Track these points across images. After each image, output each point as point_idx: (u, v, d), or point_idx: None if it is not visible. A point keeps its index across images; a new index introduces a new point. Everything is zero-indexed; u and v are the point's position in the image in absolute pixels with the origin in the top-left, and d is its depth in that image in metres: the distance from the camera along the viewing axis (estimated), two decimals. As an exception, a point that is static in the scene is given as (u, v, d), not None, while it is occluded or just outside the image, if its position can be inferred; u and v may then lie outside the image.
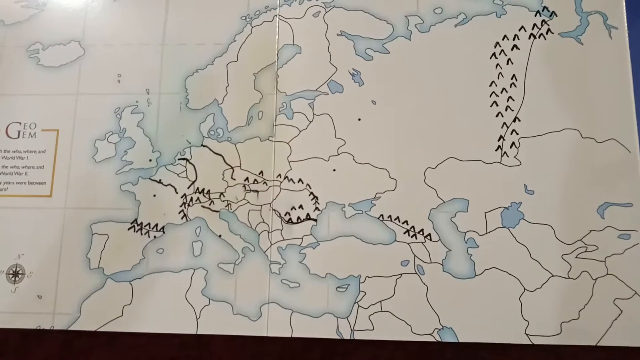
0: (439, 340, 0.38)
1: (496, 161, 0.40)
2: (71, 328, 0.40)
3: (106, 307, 0.40)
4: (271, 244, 0.40)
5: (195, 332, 0.40)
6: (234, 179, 0.41)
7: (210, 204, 0.41)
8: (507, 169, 0.40)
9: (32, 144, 0.43)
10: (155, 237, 0.41)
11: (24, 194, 0.42)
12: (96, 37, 0.45)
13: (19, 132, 0.43)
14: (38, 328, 0.40)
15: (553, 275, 0.38)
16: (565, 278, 0.38)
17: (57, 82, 0.44)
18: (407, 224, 0.40)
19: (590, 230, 0.39)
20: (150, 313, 0.40)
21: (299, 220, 0.41)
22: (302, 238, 0.40)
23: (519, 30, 0.42)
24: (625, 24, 0.41)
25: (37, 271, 0.41)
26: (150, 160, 0.42)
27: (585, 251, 0.39)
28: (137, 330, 0.40)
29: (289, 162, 0.41)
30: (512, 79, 0.41)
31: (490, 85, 0.41)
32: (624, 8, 0.42)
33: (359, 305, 0.39)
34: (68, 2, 0.46)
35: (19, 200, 0.42)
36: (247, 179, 0.41)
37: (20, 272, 0.41)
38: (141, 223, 0.41)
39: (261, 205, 0.41)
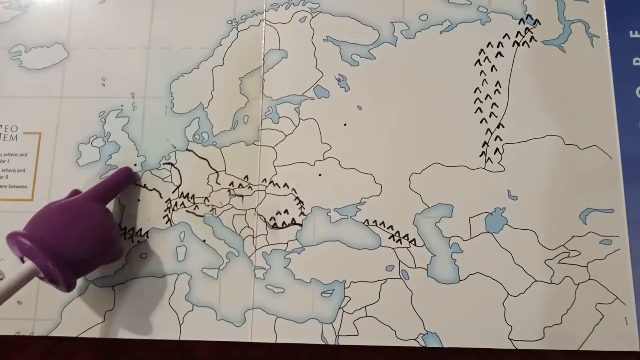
0: (424, 345, 0.38)
1: (480, 167, 0.41)
2: (52, 334, 0.40)
3: (88, 312, 0.40)
4: (256, 249, 0.40)
5: (178, 338, 0.39)
6: (219, 184, 0.41)
7: (194, 209, 0.41)
8: (491, 174, 0.40)
9: (13, 147, 0.43)
10: (139, 241, 0.41)
11: (4, 197, 0.42)
12: (81, 39, 0.45)
13: (0, 134, 0.43)
14: (17, 334, 0.40)
15: (536, 281, 0.39)
16: (548, 283, 0.39)
17: (40, 84, 0.44)
18: (392, 229, 0.40)
19: (573, 236, 0.39)
20: (133, 319, 0.40)
21: (284, 225, 0.40)
22: (287, 243, 0.40)
23: (503, 37, 0.42)
24: (607, 33, 0.42)
25: (18, 276, 0.40)
26: (135, 164, 0.42)
27: (568, 256, 0.39)
28: (120, 337, 0.39)
29: (274, 166, 0.41)
30: (496, 85, 0.42)
31: (475, 92, 0.42)
32: (605, 17, 0.42)
33: (343, 311, 0.39)
34: (52, 3, 0.45)
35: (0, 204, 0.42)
36: (232, 183, 0.41)
37: (0, 277, 0.41)
38: (125, 227, 0.41)
39: (246, 210, 0.41)
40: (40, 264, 0.33)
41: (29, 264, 0.33)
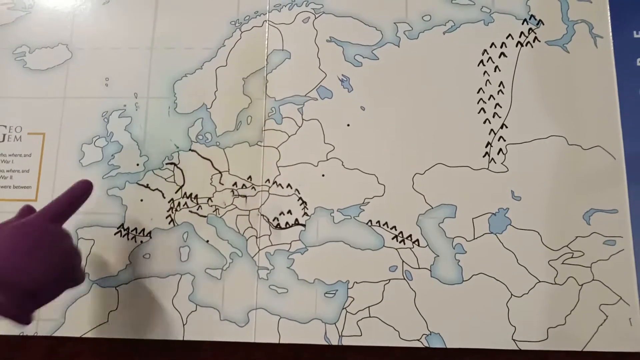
0: (427, 345, 0.38)
1: (484, 167, 0.40)
2: (55, 334, 0.40)
3: (91, 313, 0.40)
4: (259, 250, 0.40)
5: (182, 339, 0.39)
6: (222, 184, 0.41)
7: (198, 209, 0.41)
8: (494, 175, 0.40)
9: (17, 148, 0.43)
10: (142, 242, 0.41)
11: (8, 198, 0.42)
12: (84, 40, 0.45)
13: (4, 135, 0.43)
14: (21, 334, 0.40)
15: (540, 281, 0.39)
16: (551, 284, 0.39)
17: (43, 85, 0.44)
18: (396, 230, 0.40)
19: (577, 237, 0.39)
20: (136, 319, 0.40)
21: (288, 226, 0.40)
22: (290, 243, 0.40)
23: (507, 38, 0.42)
24: (610, 33, 0.42)
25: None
26: (137, 164, 0.42)
27: (572, 257, 0.39)
28: (123, 337, 0.39)
29: (277, 167, 0.41)
30: (499, 86, 0.42)
31: (478, 92, 0.42)
32: (609, 17, 0.42)
33: (347, 311, 0.39)
34: (56, 4, 0.45)
35: (4, 205, 0.42)
36: (235, 183, 0.41)
37: None
38: (128, 228, 0.41)
39: (249, 211, 0.41)
40: None
41: None
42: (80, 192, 0.35)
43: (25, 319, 0.30)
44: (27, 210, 0.35)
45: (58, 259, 0.32)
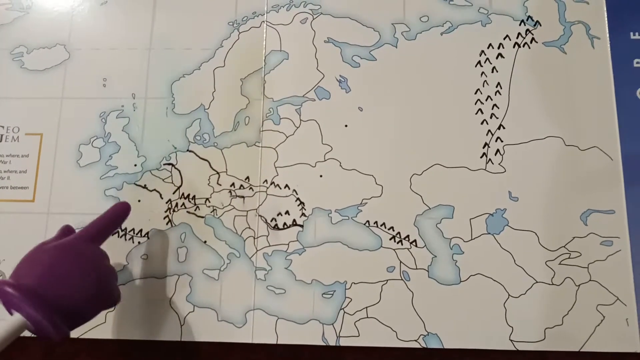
0: (424, 346, 0.38)
1: (481, 168, 0.41)
2: (53, 335, 0.40)
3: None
4: (257, 250, 0.40)
5: (179, 339, 0.39)
6: (220, 185, 0.41)
7: (195, 210, 0.41)
8: (492, 175, 0.40)
9: (15, 148, 0.43)
10: (139, 242, 0.41)
11: (5, 198, 0.42)
12: (82, 40, 0.45)
13: (2, 135, 0.43)
14: (20, 335, 0.40)
15: (537, 282, 0.39)
16: (549, 284, 0.39)
17: (41, 85, 0.44)
18: (393, 230, 0.40)
19: (574, 237, 0.39)
20: (133, 320, 0.40)
21: (285, 226, 0.40)
22: (288, 244, 0.40)
23: (504, 39, 0.42)
24: (607, 34, 0.42)
25: (19, 277, 0.40)
26: (135, 165, 0.42)
27: (569, 257, 0.39)
28: (121, 337, 0.39)
29: (275, 167, 0.41)
30: (497, 86, 0.42)
31: (476, 93, 0.42)
32: (606, 18, 0.42)
33: (344, 312, 0.39)
34: (54, 5, 0.45)
35: (1, 205, 0.42)
36: (233, 184, 0.41)
37: (1, 277, 0.41)
38: (125, 229, 0.41)
39: (247, 211, 0.41)
40: (28, 316, 0.29)
41: (17, 317, 0.29)
42: (118, 214, 0.37)
43: (62, 337, 0.31)
44: (67, 230, 0.35)
45: (96, 279, 0.32)
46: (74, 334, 0.39)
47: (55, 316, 0.29)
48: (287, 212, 0.41)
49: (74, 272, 0.31)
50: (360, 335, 0.39)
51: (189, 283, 0.40)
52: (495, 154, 0.41)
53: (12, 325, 0.29)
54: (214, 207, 0.41)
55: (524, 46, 0.42)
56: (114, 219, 0.36)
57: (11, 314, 0.30)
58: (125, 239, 0.41)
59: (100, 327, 0.40)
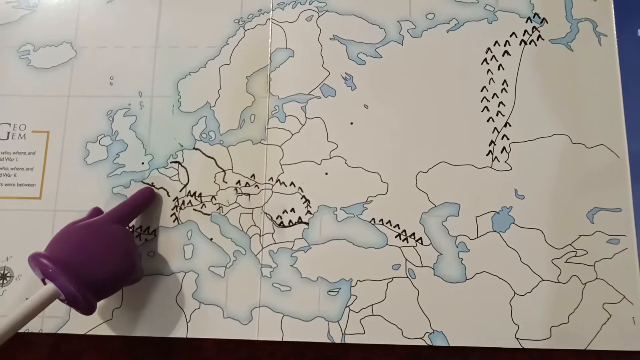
0: (430, 344, 0.38)
1: (487, 166, 0.40)
2: (60, 331, 0.40)
3: (96, 310, 0.40)
4: (262, 248, 0.40)
5: (185, 336, 0.39)
6: (226, 182, 0.41)
7: (202, 207, 0.41)
8: (498, 173, 0.40)
9: (21, 146, 0.43)
10: (146, 240, 0.41)
11: (12, 195, 0.42)
12: (89, 38, 0.45)
13: (9, 133, 0.43)
14: (26, 331, 0.40)
15: (543, 280, 0.39)
16: (555, 282, 0.39)
17: (48, 83, 0.44)
18: (399, 228, 0.40)
19: (580, 235, 0.39)
20: (140, 317, 0.40)
21: (291, 224, 0.41)
22: (293, 241, 0.40)
23: (510, 36, 0.42)
24: (615, 31, 0.42)
25: (26, 274, 0.41)
26: (142, 163, 0.42)
27: (575, 256, 0.39)
28: (127, 334, 0.40)
29: (281, 165, 0.41)
30: (503, 84, 0.42)
31: (482, 91, 0.42)
32: (613, 16, 0.42)
33: (350, 309, 0.39)
34: (60, 3, 0.46)
35: (8, 202, 0.42)
36: (239, 182, 0.41)
37: (8, 274, 0.41)
38: (132, 226, 0.41)
39: (253, 209, 0.41)
40: (61, 286, 0.32)
41: (50, 286, 0.33)
42: (144, 198, 0.40)
43: (88, 309, 0.34)
44: (96, 211, 0.40)
45: (121, 256, 0.36)
46: (81, 330, 0.40)
47: (84, 288, 0.33)
48: (292, 210, 0.41)
49: (102, 249, 0.35)
50: (366, 332, 0.39)
51: (195, 280, 0.40)
52: (502, 152, 0.41)
53: (46, 293, 0.32)
54: (220, 205, 0.41)
55: (530, 43, 0.42)
56: (139, 202, 0.40)
57: (45, 283, 0.34)
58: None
59: (106, 323, 0.40)
